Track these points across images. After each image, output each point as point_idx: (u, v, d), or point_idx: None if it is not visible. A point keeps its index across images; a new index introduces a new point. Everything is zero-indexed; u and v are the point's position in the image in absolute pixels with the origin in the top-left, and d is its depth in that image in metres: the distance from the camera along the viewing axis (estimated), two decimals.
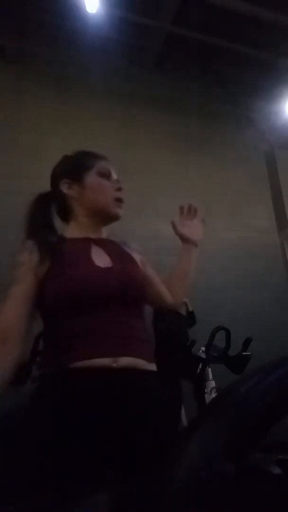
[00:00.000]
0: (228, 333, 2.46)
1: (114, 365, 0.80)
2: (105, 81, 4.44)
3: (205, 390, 2.66)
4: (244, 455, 0.33)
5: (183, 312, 3.21)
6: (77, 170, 1.02)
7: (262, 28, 4.16)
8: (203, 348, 2.59)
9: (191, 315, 3.22)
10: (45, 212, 1.04)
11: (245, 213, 4.77)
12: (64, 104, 4.25)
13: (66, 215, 1.04)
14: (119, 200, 1.01)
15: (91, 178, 1.01)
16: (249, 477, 0.33)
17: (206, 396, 2.63)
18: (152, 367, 0.89)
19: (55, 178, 1.05)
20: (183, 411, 2.65)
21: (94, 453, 0.73)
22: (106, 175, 1.02)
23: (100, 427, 0.75)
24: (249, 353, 2.49)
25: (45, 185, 1.10)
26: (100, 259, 0.94)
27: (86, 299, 0.85)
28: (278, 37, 4.24)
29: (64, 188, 1.02)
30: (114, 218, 1.02)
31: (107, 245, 1.01)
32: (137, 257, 1.05)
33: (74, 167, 1.04)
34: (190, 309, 3.22)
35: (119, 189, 1.02)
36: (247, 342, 2.53)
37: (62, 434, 0.73)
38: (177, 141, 4.69)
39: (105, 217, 1.02)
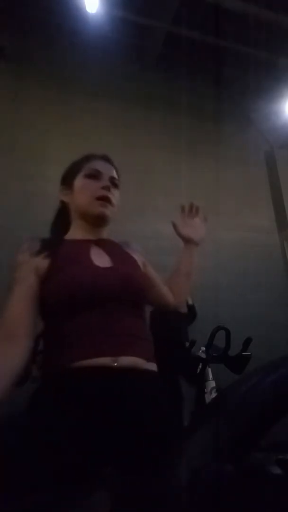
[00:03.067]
0: (228, 333, 2.46)
1: (114, 364, 0.80)
2: (105, 81, 4.45)
3: (205, 390, 2.66)
4: (244, 455, 0.32)
5: (183, 308, 3.20)
6: (69, 176, 1.05)
7: (262, 28, 4.16)
8: (203, 348, 2.58)
9: (191, 309, 3.20)
10: (55, 218, 1.09)
11: (245, 213, 4.77)
12: (64, 104, 4.25)
13: (67, 219, 1.06)
14: (101, 199, 0.98)
15: (78, 181, 1.02)
16: (249, 477, 0.33)
17: (206, 396, 2.63)
18: (152, 366, 0.89)
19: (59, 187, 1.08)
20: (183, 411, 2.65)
21: (94, 453, 0.73)
22: (93, 176, 1.01)
23: (100, 427, 0.75)
24: (249, 353, 2.49)
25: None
26: (99, 259, 0.95)
27: (85, 298, 0.85)
28: (278, 37, 4.24)
29: (61, 195, 1.06)
30: (98, 217, 0.99)
31: (107, 246, 1.01)
32: (138, 258, 1.06)
33: (67, 173, 1.07)
34: (190, 303, 3.20)
35: (105, 187, 0.99)
36: (247, 342, 2.53)
37: (62, 434, 0.73)
38: (177, 141, 4.69)
39: (90, 218, 1.00)
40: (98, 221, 1.01)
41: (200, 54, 4.66)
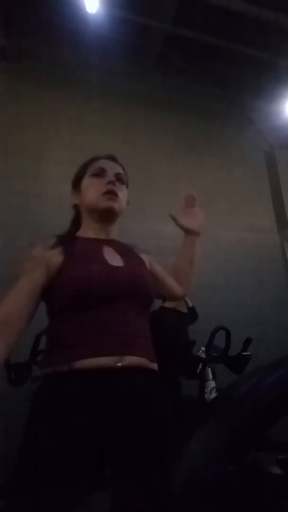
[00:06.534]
0: (228, 333, 2.46)
1: (118, 364, 0.80)
2: (105, 81, 4.44)
3: (205, 390, 2.66)
4: (244, 455, 0.33)
5: (184, 309, 3.20)
6: (77, 180, 1.08)
7: (262, 28, 4.16)
8: (203, 348, 2.59)
9: (192, 311, 3.21)
10: (70, 224, 1.11)
11: (245, 213, 4.77)
12: (64, 104, 4.25)
13: (79, 221, 1.09)
14: (108, 192, 1.00)
15: (85, 182, 1.05)
16: (249, 477, 0.33)
17: (206, 396, 2.63)
18: (154, 366, 0.90)
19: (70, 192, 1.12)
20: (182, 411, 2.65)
21: (96, 452, 0.73)
22: (98, 174, 1.04)
23: (103, 426, 0.75)
24: (249, 353, 2.49)
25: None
26: (112, 258, 0.97)
27: (97, 293, 0.86)
28: (278, 37, 4.24)
29: (72, 199, 1.09)
30: (106, 211, 1.01)
31: (118, 246, 1.03)
32: (145, 257, 1.08)
33: (75, 177, 1.10)
34: (190, 305, 3.22)
35: (110, 182, 1.01)
36: (247, 342, 2.53)
37: (64, 433, 0.73)
38: (177, 141, 4.69)
39: (99, 213, 1.02)
40: (106, 215, 1.03)
41: (200, 54, 4.65)
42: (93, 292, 0.86)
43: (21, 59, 4.22)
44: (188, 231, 1.15)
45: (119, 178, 1.05)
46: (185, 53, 4.63)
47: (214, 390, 2.60)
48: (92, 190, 1.02)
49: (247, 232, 4.63)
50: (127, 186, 1.11)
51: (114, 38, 4.25)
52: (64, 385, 0.79)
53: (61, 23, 4.09)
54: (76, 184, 1.08)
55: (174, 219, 1.14)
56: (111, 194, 1.00)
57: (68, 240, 0.99)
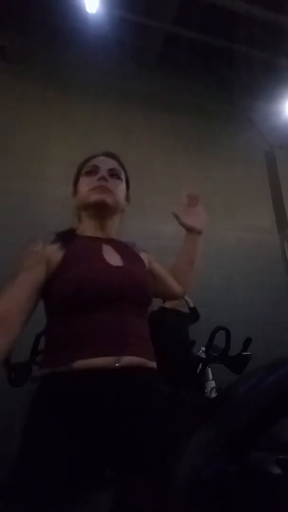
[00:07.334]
0: (228, 333, 2.46)
1: (116, 364, 0.80)
2: (105, 81, 4.45)
3: (205, 390, 2.66)
4: (244, 455, 0.33)
5: (185, 309, 3.21)
6: (75, 181, 1.09)
7: (262, 28, 4.16)
8: (203, 348, 2.59)
9: (193, 311, 3.22)
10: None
11: (245, 213, 4.77)
12: (64, 104, 4.25)
13: (80, 220, 1.09)
14: (95, 188, 1.00)
15: (80, 182, 1.06)
16: (249, 477, 0.33)
17: (206, 396, 2.63)
18: (153, 365, 0.90)
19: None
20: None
21: (96, 452, 0.73)
22: (91, 171, 1.04)
23: (103, 426, 0.75)
24: (249, 353, 2.49)
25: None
26: (112, 257, 0.96)
27: (97, 294, 0.86)
28: (278, 37, 4.24)
29: (73, 201, 1.09)
30: (97, 205, 1.00)
31: (117, 245, 1.02)
32: (144, 256, 1.07)
33: (74, 179, 1.10)
34: (192, 305, 3.22)
35: (100, 178, 1.00)
36: (247, 342, 2.53)
37: (64, 433, 0.73)
38: (177, 141, 4.69)
39: (91, 208, 1.02)
40: (98, 209, 1.01)
41: (200, 54, 4.65)
42: (94, 292, 0.86)
43: (21, 59, 4.22)
44: (190, 230, 1.15)
45: (113, 174, 1.03)
46: (185, 53, 4.63)
47: (214, 390, 2.60)
48: (83, 187, 1.02)
49: (247, 232, 4.63)
50: (127, 182, 1.10)
51: (114, 38, 4.25)
52: (63, 385, 0.79)
53: (61, 23, 4.09)
54: (75, 185, 1.08)
55: (176, 217, 1.14)
56: (101, 188, 0.99)
57: (67, 237, 0.98)
